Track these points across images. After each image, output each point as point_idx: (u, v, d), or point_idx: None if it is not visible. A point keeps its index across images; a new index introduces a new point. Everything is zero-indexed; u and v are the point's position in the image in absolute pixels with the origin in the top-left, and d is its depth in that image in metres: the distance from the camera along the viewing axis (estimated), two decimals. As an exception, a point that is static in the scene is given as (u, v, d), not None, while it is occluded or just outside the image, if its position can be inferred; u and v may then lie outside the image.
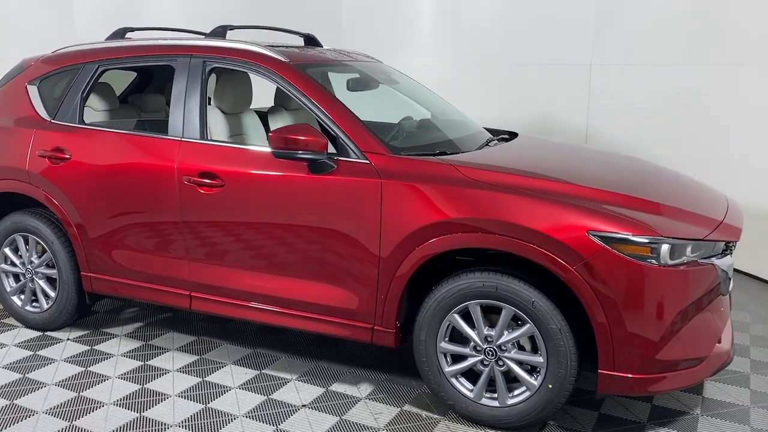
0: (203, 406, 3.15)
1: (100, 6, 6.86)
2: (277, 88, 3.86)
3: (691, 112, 5.42)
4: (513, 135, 4.01)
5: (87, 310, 4.05)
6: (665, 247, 2.62)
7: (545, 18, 6.39)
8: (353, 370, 3.52)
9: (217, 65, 3.46)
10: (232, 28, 3.71)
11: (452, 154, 3.20)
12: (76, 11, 6.70)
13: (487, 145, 3.57)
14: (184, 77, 3.48)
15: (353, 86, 3.85)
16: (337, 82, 3.93)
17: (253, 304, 3.33)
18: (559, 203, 2.74)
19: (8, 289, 4.03)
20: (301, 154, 3.01)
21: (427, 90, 4.34)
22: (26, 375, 3.45)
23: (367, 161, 3.03)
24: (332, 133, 3.13)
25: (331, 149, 3.10)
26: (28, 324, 4.02)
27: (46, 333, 3.98)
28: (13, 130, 3.87)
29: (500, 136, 3.89)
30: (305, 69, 3.35)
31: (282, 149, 3.00)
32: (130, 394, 3.26)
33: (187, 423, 3.01)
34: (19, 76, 4.01)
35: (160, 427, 2.97)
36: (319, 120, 3.19)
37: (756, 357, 3.71)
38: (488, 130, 4.15)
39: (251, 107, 3.96)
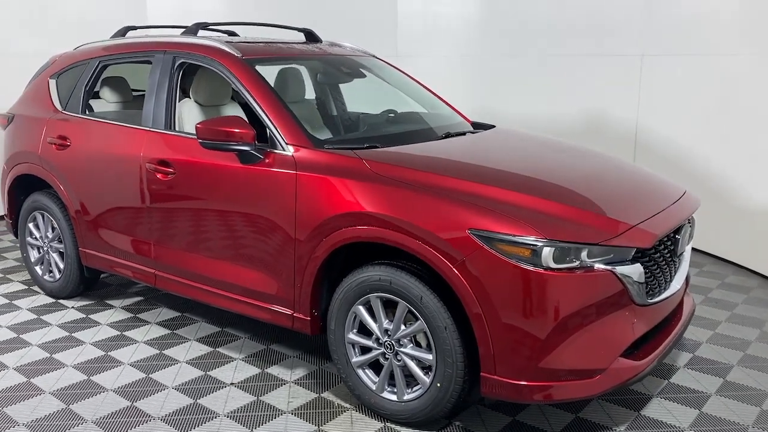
0: (145, 376, 3.42)
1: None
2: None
3: (746, 104, 4.93)
4: (489, 127, 3.96)
5: (91, 283, 4.48)
6: (547, 250, 2.49)
7: (594, 7, 6.07)
8: (300, 355, 3.64)
9: (183, 60, 3.70)
10: (206, 25, 3.94)
11: (386, 147, 3.22)
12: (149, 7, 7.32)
13: (441, 138, 3.55)
14: (158, 72, 3.76)
15: (320, 79, 3.95)
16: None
17: (198, 285, 3.55)
18: (448, 200, 2.68)
19: (32, 260, 4.57)
20: (229, 145, 3.16)
21: (414, 83, 4.34)
22: (20, 335, 3.92)
23: (290, 153, 3.13)
24: (265, 125, 3.26)
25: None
26: (45, 291, 4.53)
27: (58, 300, 4.46)
28: (34, 120, 4.36)
29: (466, 130, 3.83)
30: (255, 63, 3.50)
31: (209, 140, 3.17)
32: (91, 359, 3.60)
33: (123, 389, 3.28)
34: (46, 71, 4.51)
35: (98, 390, 3.27)
36: (256, 113, 3.33)
37: (734, 378, 3.38)
38: (474, 123, 4.11)
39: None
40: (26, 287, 4.71)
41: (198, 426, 2.96)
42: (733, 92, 5.03)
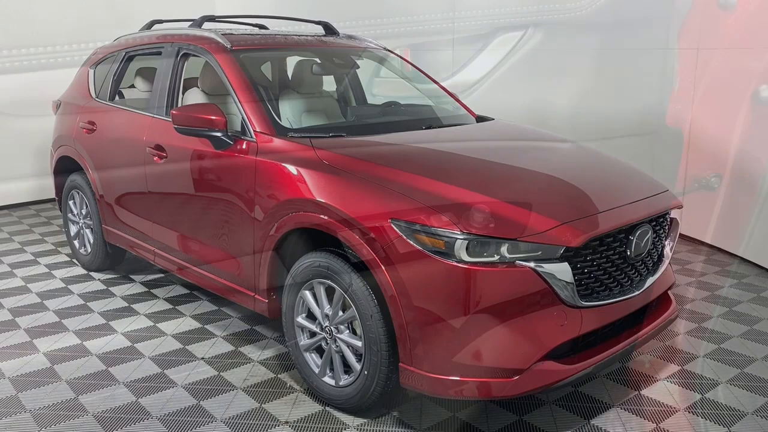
0: (129, 345, 3.67)
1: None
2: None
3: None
4: (486, 120, 3.95)
5: (117, 258, 4.82)
6: (460, 243, 2.44)
7: (647, -1, 5.75)
8: (277, 337, 3.75)
9: (185, 51, 3.91)
10: (212, 18, 4.13)
11: (352, 136, 3.27)
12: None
13: (421, 129, 3.55)
14: (164, 62, 4.00)
15: (315, 71, 4.04)
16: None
17: (183, 263, 3.76)
18: (377, 190, 2.70)
19: (71, 234, 4.99)
20: (202, 131, 3.32)
21: (424, 77, 4.34)
22: (43, 301, 4.31)
23: (254, 141, 3.24)
24: (240, 113, 3.39)
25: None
26: (80, 264, 4.95)
27: (89, 273, 4.85)
28: (73, 106, 4.77)
29: (459, 123, 3.80)
30: (240, 54, 3.63)
31: (183, 126, 3.35)
32: (91, 327, 3.90)
33: (104, 355, 3.54)
34: (88, 62, 4.91)
35: (84, 354, 3.55)
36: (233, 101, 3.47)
37: (714, 396, 3.12)
38: (479, 117, 4.07)
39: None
40: (69, 259, 5.16)
41: (153, 393, 3.15)
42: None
